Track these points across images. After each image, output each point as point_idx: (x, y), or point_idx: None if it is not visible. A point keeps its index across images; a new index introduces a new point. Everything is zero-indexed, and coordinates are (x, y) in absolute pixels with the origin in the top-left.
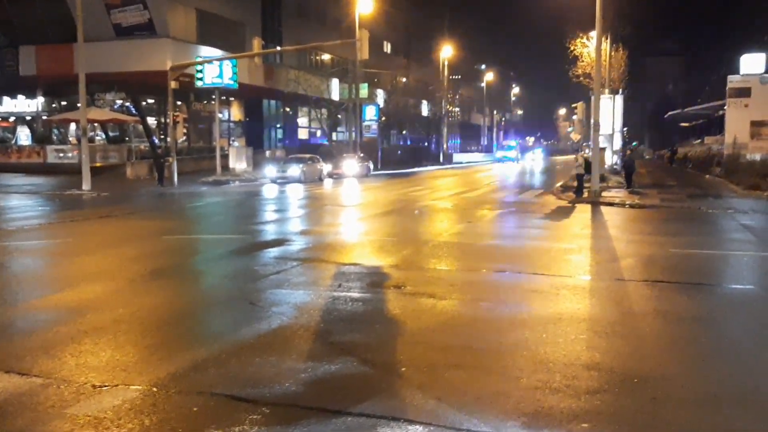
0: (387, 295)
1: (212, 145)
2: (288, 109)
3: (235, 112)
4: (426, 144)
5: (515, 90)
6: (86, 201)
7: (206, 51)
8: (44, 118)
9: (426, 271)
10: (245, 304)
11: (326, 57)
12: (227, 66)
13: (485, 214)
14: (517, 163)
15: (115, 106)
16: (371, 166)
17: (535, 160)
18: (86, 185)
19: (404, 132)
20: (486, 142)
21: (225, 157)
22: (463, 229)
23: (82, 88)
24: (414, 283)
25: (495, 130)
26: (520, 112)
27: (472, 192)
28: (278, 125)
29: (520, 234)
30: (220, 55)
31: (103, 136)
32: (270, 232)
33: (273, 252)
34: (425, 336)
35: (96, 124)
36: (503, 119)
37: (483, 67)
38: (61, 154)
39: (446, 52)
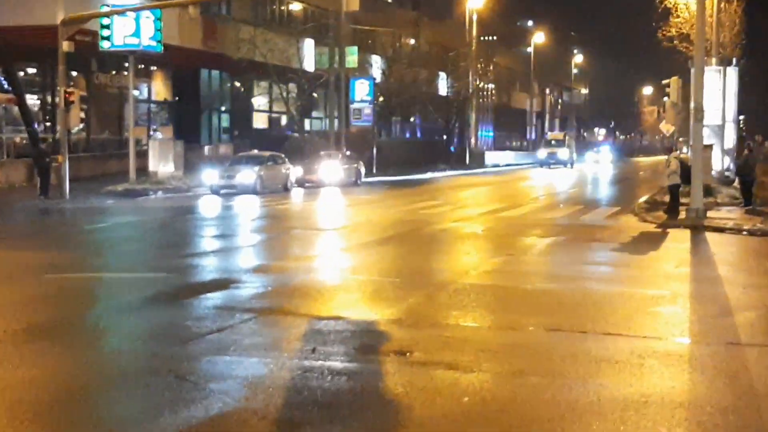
0: (385, 366)
1: (123, 137)
2: (239, 84)
3: (159, 89)
4: (445, 137)
5: (578, 59)
6: None
7: None
8: None
9: (443, 328)
10: (169, 378)
11: (296, 7)
12: (147, 19)
13: (532, 243)
14: (570, 168)
15: None
16: (362, 169)
17: (600, 163)
18: None
19: (412, 119)
20: (534, 135)
21: (143, 155)
22: (500, 265)
23: None
24: (425, 348)
25: (547, 117)
26: (584, 91)
27: (514, 209)
28: (223, 108)
29: (585, 273)
30: (136, 4)
31: None
32: (209, 268)
33: (213, 299)
34: (441, 430)
35: None
36: (560, 102)
37: (530, 24)
38: None
39: (475, 1)
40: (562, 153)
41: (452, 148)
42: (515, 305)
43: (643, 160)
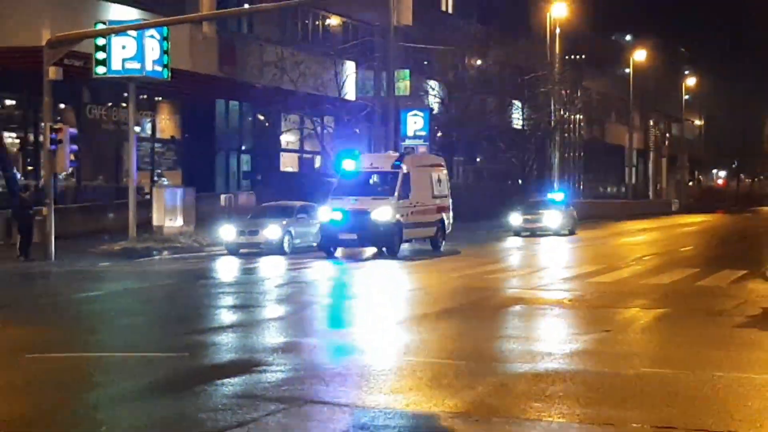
0: None
1: (121, 183)
2: (262, 118)
3: (166, 125)
4: (520, 182)
5: (690, 81)
6: None
7: (115, 12)
8: None
9: (521, 425)
10: None
11: (334, 23)
12: (151, 39)
13: (635, 316)
14: (569, 234)
15: None
16: None
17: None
18: None
19: (478, 159)
20: (634, 178)
21: (145, 205)
22: (593, 344)
23: None
24: None
25: (652, 155)
26: (698, 122)
27: (610, 273)
28: (243, 147)
29: (703, 356)
30: (138, 20)
31: None
32: (227, 347)
33: (232, 385)
34: None
35: None
36: (667, 136)
37: (628, 38)
38: None
39: (558, 10)
40: (549, 217)
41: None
42: (613, 396)
43: None
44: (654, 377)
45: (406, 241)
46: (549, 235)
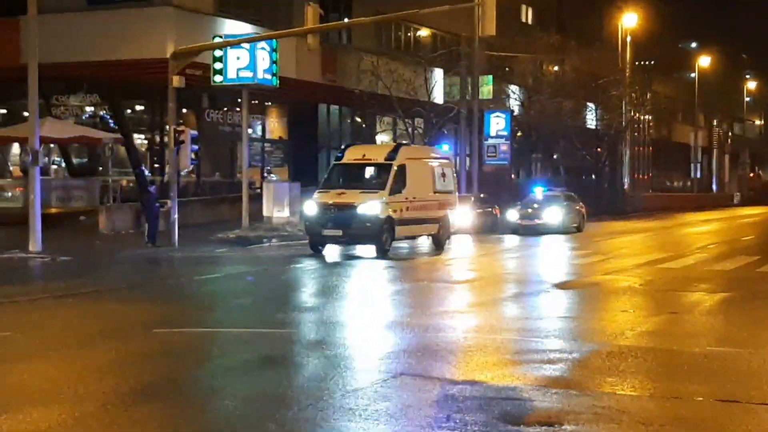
0: None
1: (235, 179)
2: (359, 120)
3: (274, 126)
4: (594, 177)
5: (751, 85)
6: (34, 270)
7: (230, 27)
8: None
9: (597, 397)
10: None
11: (424, 34)
12: (263, 51)
13: (700, 299)
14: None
15: (85, 117)
16: (499, 214)
17: None
18: (35, 244)
19: (555, 157)
20: (699, 173)
21: (256, 198)
22: (662, 324)
23: (32, 87)
24: (576, 419)
25: (715, 153)
26: (758, 122)
27: (677, 260)
28: (343, 146)
29: (766, 335)
30: (251, 34)
31: (65, 165)
32: (329, 324)
33: (335, 358)
34: None
35: (53, 145)
36: (729, 135)
37: (693, 46)
38: None
39: (630, 21)
40: (550, 213)
41: (599, 188)
42: (680, 371)
43: None
44: (718, 355)
45: (401, 239)
46: (551, 233)
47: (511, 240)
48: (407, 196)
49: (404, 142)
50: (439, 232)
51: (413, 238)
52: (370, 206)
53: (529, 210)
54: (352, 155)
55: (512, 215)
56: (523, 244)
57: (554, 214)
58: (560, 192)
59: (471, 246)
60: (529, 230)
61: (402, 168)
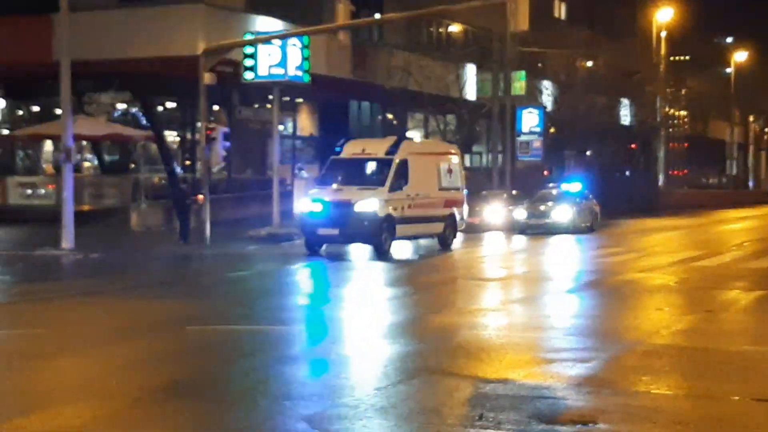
0: None
1: (266, 176)
2: (391, 117)
3: (305, 123)
4: (627, 173)
5: None
6: (67, 267)
7: (261, 23)
8: (4, 132)
9: (631, 396)
10: None
11: (456, 30)
12: (294, 48)
13: (736, 297)
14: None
15: (116, 114)
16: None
17: None
18: (68, 241)
19: (588, 153)
20: (735, 169)
21: (287, 195)
22: (697, 323)
23: (65, 85)
24: (610, 418)
25: (751, 149)
26: None
27: (712, 258)
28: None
29: None
30: (282, 31)
31: (97, 162)
32: (360, 321)
33: (366, 356)
34: None
35: (85, 143)
36: (766, 131)
37: (729, 40)
38: (29, 191)
39: (664, 15)
40: (558, 212)
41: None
42: (716, 370)
43: None
44: (754, 354)
45: (402, 238)
46: (559, 232)
47: (538, 238)
48: (409, 193)
49: (407, 136)
50: (445, 232)
51: (416, 238)
52: (368, 203)
53: (538, 209)
54: (351, 150)
55: (520, 214)
56: (552, 242)
57: (563, 213)
58: (572, 187)
59: (503, 243)
60: (537, 230)
61: (404, 163)
